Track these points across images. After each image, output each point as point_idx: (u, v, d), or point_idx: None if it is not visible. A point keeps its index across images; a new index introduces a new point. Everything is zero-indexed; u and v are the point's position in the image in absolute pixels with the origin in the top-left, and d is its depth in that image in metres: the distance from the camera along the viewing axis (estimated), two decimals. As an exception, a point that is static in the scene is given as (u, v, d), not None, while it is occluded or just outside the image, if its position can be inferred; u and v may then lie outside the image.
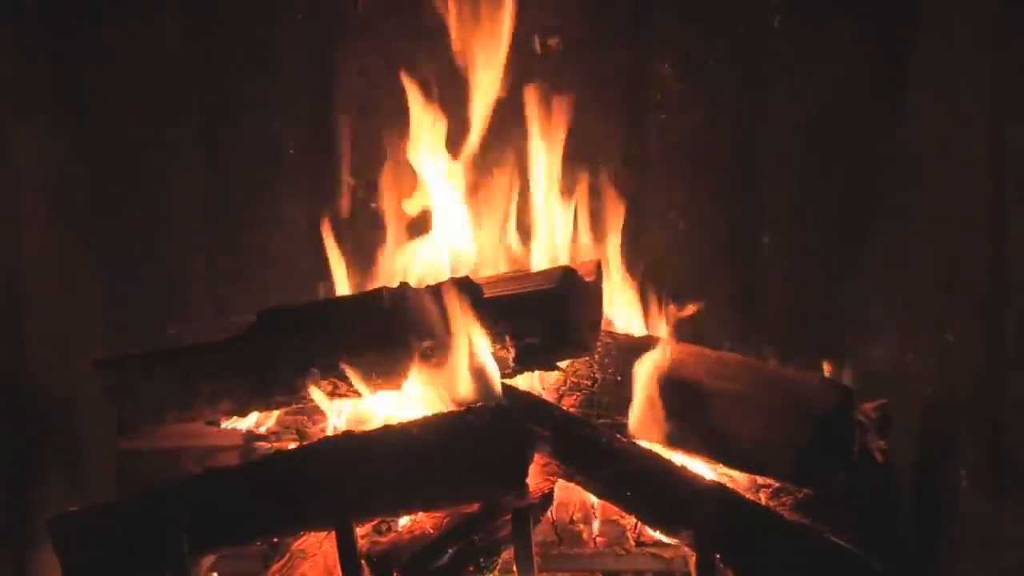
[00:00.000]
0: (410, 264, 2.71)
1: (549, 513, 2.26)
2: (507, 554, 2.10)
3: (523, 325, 2.19)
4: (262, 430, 2.46)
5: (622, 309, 2.62)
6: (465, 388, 2.14)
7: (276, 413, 2.46)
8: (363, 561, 2.02)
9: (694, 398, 2.27)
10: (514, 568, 2.08)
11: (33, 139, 2.50)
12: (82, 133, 2.72)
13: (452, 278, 2.27)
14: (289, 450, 2.18)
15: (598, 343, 2.34)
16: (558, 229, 2.71)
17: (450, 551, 2.05)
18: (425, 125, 2.70)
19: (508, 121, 2.76)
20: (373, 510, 2.08)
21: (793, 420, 2.21)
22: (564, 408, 2.32)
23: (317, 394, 2.23)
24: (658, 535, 2.21)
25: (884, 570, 2.08)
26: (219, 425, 2.45)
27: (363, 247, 2.79)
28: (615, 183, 2.79)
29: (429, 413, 2.18)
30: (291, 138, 2.91)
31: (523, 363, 2.23)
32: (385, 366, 2.21)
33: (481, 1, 2.73)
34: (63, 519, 2.08)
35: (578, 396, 2.38)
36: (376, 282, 2.66)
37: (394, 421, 2.13)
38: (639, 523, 2.29)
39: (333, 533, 2.04)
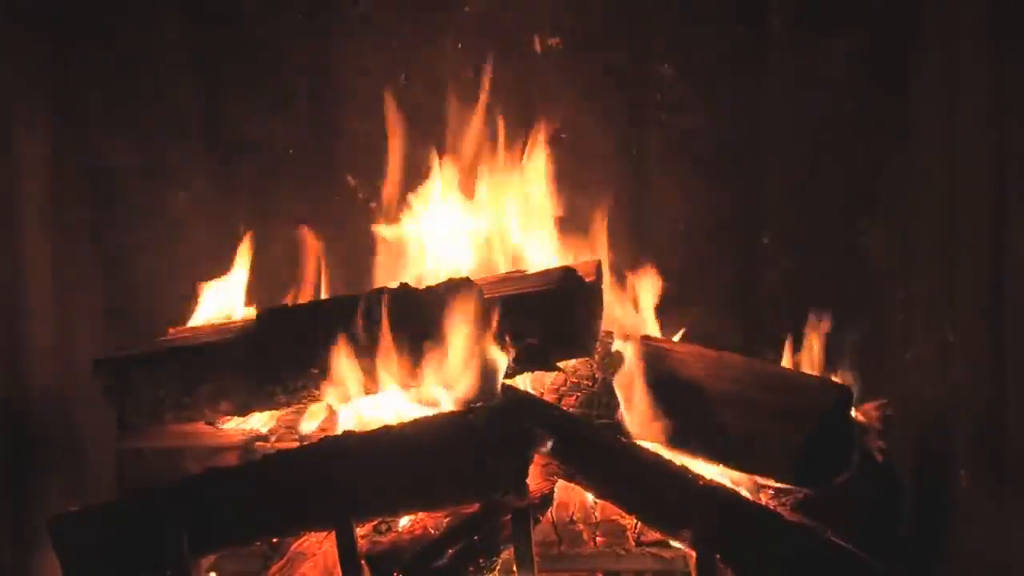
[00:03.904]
0: (410, 264, 2.71)
1: (549, 513, 2.26)
2: (507, 554, 2.10)
3: (523, 325, 2.19)
4: (263, 430, 2.46)
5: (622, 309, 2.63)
6: (465, 388, 2.13)
7: (276, 413, 2.46)
8: (363, 561, 2.02)
9: (694, 398, 2.28)
10: (514, 568, 2.08)
11: (33, 140, 2.50)
12: (82, 133, 2.72)
13: (452, 278, 2.27)
14: (289, 450, 2.18)
15: (598, 343, 2.34)
16: (558, 229, 2.71)
17: (450, 551, 2.05)
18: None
19: (509, 119, 2.77)
20: (373, 510, 2.08)
21: (792, 420, 2.21)
22: (564, 408, 2.32)
23: (331, 392, 2.24)
24: (658, 535, 2.21)
25: (884, 570, 2.08)
26: (219, 425, 2.45)
27: (363, 247, 2.79)
28: (615, 183, 2.79)
29: (429, 413, 2.18)
30: (291, 138, 2.91)
31: (523, 363, 2.23)
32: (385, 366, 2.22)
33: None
34: (63, 519, 2.08)
35: (578, 396, 2.38)
36: (376, 283, 2.66)
37: (394, 421, 2.13)
38: (639, 523, 2.29)
39: (333, 533, 2.04)
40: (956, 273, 2.40)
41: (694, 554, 2.10)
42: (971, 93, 2.33)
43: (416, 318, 2.19)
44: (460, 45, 2.82)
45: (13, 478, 2.38)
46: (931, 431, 2.48)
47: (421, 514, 2.10)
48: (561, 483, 2.21)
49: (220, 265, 2.72)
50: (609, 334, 2.43)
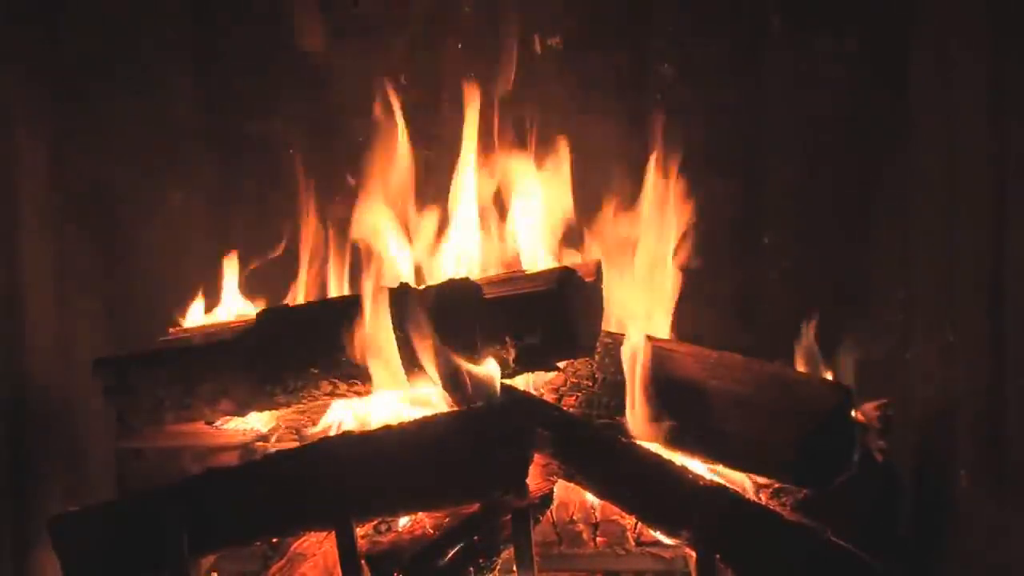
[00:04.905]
0: (410, 264, 2.71)
1: (549, 513, 2.26)
2: (507, 554, 2.10)
3: (523, 325, 2.19)
4: (263, 430, 2.46)
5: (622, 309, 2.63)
6: (465, 388, 2.13)
7: (276, 413, 2.46)
8: (363, 561, 2.02)
9: (694, 398, 2.27)
10: (514, 568, 2.08)
11: (34, 139, 2.50)
12: (82, 131, 2.72)
13: (452, 278, 2.27)
14: (289, 450, 2.18)
15: (598, 343, 2.34)
16: (557, 229, 2.71)
17: (450, 551, 2.05)
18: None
19: (508, 120, 2.77)
20: (373, 510, 2.08)
21: (793, 420, 2.21)
22: (564, 408, 2.32)
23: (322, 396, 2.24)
24: (658, 535, 2.21)
25: (884, 570, 2.07)
26: (219, 425, 2.45)
27: (364, 247, 2.79)
28: (614, 183, 2.79)
29: (429, 413, 2.18)
30: (291, 138, 2.91)
31: (523, 363, 2.23)
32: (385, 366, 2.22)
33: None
34: (63, 519, 2.08)
35: (578, 396, 2.38)
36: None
37: (394, 421, 2.13)
38: (639, 523, 2.29)
39: (333, 533, 2.04)
40: (956, 273, 2.40)
41: (694, 554, 2.10)
42: (971, 93, 2.33)
43: (416, 318, 2.19)
44: (460, 45, 2.82)
45: (13, 478, 2.38)
46: (931, 431, 2.48)
47: (421, 514, 2.10)
48: (561, 483, 2.21)
49: (219, 266, 2.72)
50: (609, 334, 2.43)
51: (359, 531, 2.06)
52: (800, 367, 2.43)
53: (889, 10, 2.72)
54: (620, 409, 2.31)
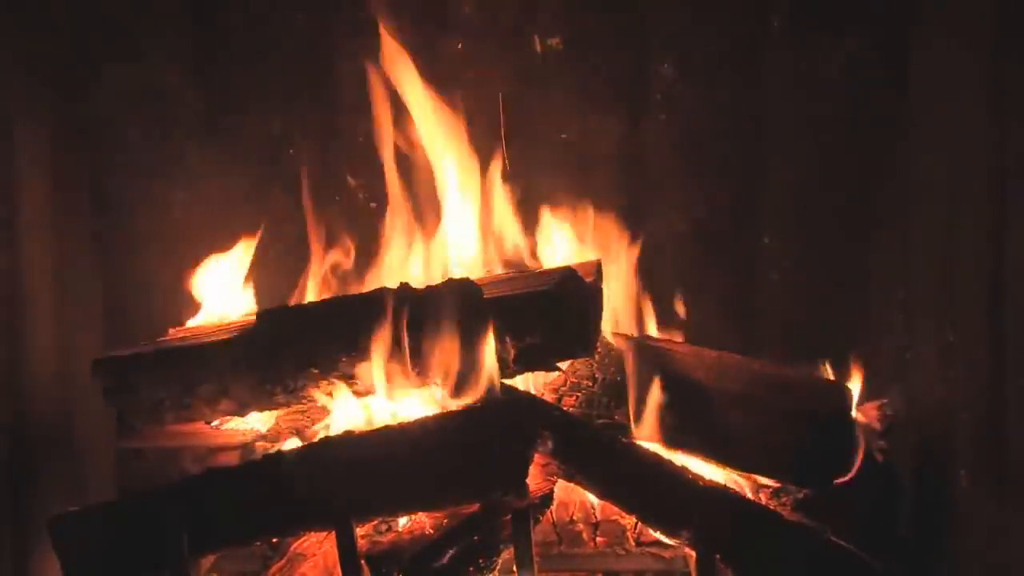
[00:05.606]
0: (410, 264, 2.72)
1: (549, 513, 2.26)
2: (507, 554, 2.10)
3: (523, 325, 2.19)
4: (263, 430, 2.46)
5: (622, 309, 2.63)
6: (465, 388, 2.13)
7: (276, 413, 2.46)
8: (363, 561, 2.02)
9: (694, 398, 2.28)
10: (514, 568, 2.08)
11: (34, 138, 2.50)
12: (82, 131, 2.72)
13: (452, 278, 2.27)
14: (289, 450, 2.18)
15: (598, 343, 2.34)
16: (558, 230, 2.72)
17: (450, 551, 2.05)
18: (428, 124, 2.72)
19: (508, 119, 2.77)
20: (373, 510, 2.08)
21: (793, 420, 2.21)
22: (564, 408, 2.32)
23: (322, 396, 2.24)
24: (658, 535, 2.21)
25: (884, 570, 2.08)
26: (220, 425, 2.45)
27: (363, 247, 2.79)
28: (614, 183, 2.79)
29: (429, 413, 2.18)
30: (291, 138, 2.91)
31: (523, 363, 2.23)
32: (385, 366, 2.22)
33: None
34: (63, 519, 2.08)
35: (578, 396, 2.38)
36: (376, 282, 2.66)
37: (394, 421, 2.13)
38: (639, 523, 2.29)
39: (333, 533, 2.04)
40: (956, 273, 2.40)
41: (694, 554, 2.10)
42: (971, 93, 2.33)
43: (416, 318, 2.19)
44: (460, 45, 2.82)
45: (13, 478, 2.38)
46: (931, 431, 2.48)
47: (421, 514, 2.10)
48: (561, 483, 2.21)
49: (220, 265, 2.72)
50: (610, 334, 2.43)
51: (359, 531, 2.06)
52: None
53: (889, 10, 2.72)
54: (620, 409, 2.31)
